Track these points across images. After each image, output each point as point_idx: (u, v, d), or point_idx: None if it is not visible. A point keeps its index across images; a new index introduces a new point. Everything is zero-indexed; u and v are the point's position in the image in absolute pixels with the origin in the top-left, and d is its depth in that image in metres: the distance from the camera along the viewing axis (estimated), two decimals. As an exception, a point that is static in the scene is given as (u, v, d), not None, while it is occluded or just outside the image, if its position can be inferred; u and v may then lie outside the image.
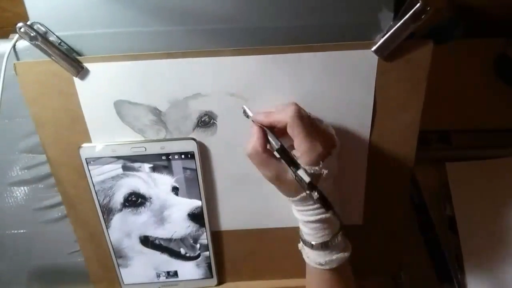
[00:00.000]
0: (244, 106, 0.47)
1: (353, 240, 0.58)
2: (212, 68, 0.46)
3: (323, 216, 0.44)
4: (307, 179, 0.41)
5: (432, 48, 0.45)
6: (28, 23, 0.43)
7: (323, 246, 0.46)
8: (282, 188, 0.45)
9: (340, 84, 0.47)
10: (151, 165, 0.51)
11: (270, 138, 0.44)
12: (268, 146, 0.44)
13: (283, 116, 0.42)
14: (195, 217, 0.54)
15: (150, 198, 0.53)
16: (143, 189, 0.52)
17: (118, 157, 0.50)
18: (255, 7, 0.44)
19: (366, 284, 0.61)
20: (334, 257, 0.46)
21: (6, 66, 0.46)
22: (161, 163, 0.51)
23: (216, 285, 0.61)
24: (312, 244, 0.46)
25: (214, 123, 0.49)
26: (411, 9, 0.42)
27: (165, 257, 0.57)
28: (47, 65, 0.45)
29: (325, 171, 0.42)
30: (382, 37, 0.44)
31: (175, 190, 0.52)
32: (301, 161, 0.42)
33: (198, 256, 0.57)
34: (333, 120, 0.49)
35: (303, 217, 0.46)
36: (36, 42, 0.43)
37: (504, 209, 0.64)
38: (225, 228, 0.57)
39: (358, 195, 0.54)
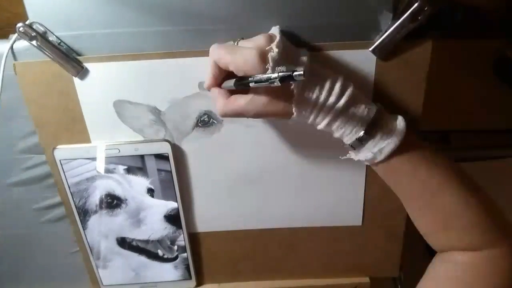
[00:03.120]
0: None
1: (353, 241, 0.58)
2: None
3: (336, 107, 0.39)
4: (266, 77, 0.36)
5: (431, 48, 0.45)
6: (28, 23, 0.43)
7: (360, 141, 0.40)
8: (274, 112, 0.40)
9: (339, 84, 0.47)
10: (126, 167, 0.51)
11: (225, 86, 0.42)
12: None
13: (209, 58, 0.41)
14: (172, 218, 0.54)
15: (126, 199, 0.53)
16: (118, 191, 0.52)
17: (92, 159, 0.50)
18: (254, 7, 0.44)
19: (365, 284, 0.61)
20: (383, 144, 0.40)
21: (5, 66, 0.46)
22: (136, 165, 0.51)
23: (195, 287, 0.61)
24: (350, 145, 0.42)
25: (214, 122, 0.49)
26: (409, 9, 0.42)
27: (142, 258, 0.57)
28: (46, 65, 0.46)
29: (275, 50, 0.38)
30: (380, 37, 0.44)
31: (150, 191, 0.52)
32: (248, 70, 0.38)
33: (176, 257, 0.57)
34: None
35: (321, 124, 0.41)
36: (36, 42, 0.44)
37: (503, 210, 0.64)
38: (206, 229, 0.57)
39: (358, 196, 0.54)
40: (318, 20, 0.45)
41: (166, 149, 0.50)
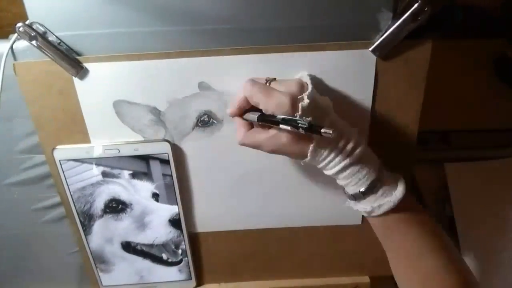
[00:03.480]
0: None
1: (353, 240, 0.58)
2: (211, 67, 0.46)
3: (345, 162, 0.42)
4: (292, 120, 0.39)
5: (431, 48, 0.45)
6: (27, 23, 0.43)
7: (363, 194, 0.43)
8: (289, 152, 0.43)
9: (339, 84, 0.47)
10: (131, 172, 0.51)
11: (248, 118, 0.44)
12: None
13: (242, 93, 0.43)
14: (176, 222, 0.54)
15: (131, 204, 0.53)
16: (123, 196, 0.52)
17: (93, 159, 0.51)
18: (254, 7, 0.44)
19: (366, 284, 0.61)
20: (383, 201, 0.43)
21: (5, 66, 0.46)
22: (139, 167, 0.51)
23: (195, 287, 0.61)
24: (351, 195, 0.45)
25: (214, 122, 0.49)
26: (409, 9, 0.42)
27: (147, 262, 0.57)
28: (46, 65, 0.45)
29: (306, 101, 0.40)
30: (381, 37, 0.44)
31: (155, 196, 0.53)
32: (278, 113, 0.41)
33: (181, 261, 0.57)
34: (332, 120, 0.49)
35: (329, 172, 0.44)
36: (36, 42, 0.43)
37: (503, 210, 0.64)
38: (206, 229, 0.57)
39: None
40: (318, 20, 0.44)
41: (166, 149, 0.50)
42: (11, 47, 0.46)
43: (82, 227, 0.55)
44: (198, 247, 0.58)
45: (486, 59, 0.67)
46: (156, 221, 0.53)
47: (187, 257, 0.57)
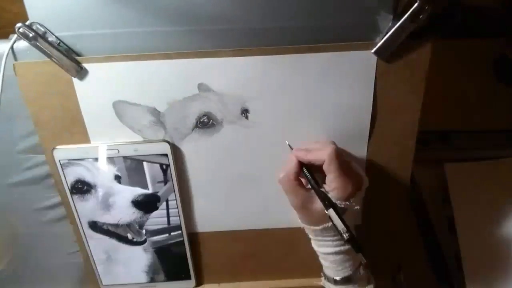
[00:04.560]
0: (287, 142, 0.49)
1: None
2: (211, 68, 0.46)
3: (343, 248, 0.46)
4: (340, 225, 0.44)
5: (431, 48, 0.45)
6: (27, 23, 0.43)
7: (346, 281, 0.48)
8: (305, 217, 0.47)
9: (340, 85, 0.47)
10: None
11: (306, 174, 0.46)
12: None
13: (321, 154, 0.44)
14: (139, 204, 0.54)
15: (95, 185, 0.53)
16: (88, 178, 0.53)
17: (92, 159, 0.51)
18: (254, 7, 0.44)
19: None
20: None
21: (5, 66, 0.46)
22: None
23: (194, 287, 0.61)
24: (335, 280, 0.48)
25: (213, 123, 0.49)
26: (409, 9, 0.42)
27: (113, 241, 0.57)
28: (46, 65, 0.45)
29: (355, 207, 0.45)
30: (382, 38, 0.44)
31: (117, 178, 0.53)
32: (332, 195, 0.45)
33: (145, 241, 0.57)
34: (332, 120, 0.49)
35: (323, 249, 0.48)
36: (35, 43, 0.43)
37: (503, 210, 0.64)
38: (206, 229, 0.57)
39: (357, 196, 0.54)
40: (319, 21, 0.44)
41: (165, 149, 0.50)
42: (12, 47, 0.46)
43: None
44: (198, 247, 0.58)
45: (486, 59, 0.67)
46: (120, 202, 0.54)
47: (155, 238, 0.57)
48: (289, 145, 0.49)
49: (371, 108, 0.48)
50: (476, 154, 0.70)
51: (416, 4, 0.42)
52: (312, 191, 0.46)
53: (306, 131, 0.50)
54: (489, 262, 0.62)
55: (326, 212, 0.44)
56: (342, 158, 0.45)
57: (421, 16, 0.42)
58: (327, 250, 0.47)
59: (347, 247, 0.46)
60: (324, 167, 0.44)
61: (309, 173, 0.46)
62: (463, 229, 0.64)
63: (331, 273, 0.49)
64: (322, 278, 0.51)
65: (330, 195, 0.45)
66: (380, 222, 0.56)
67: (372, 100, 0.48)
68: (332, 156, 0.44)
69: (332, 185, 0.44)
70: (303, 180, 0.47)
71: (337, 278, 0.48)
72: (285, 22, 0.45)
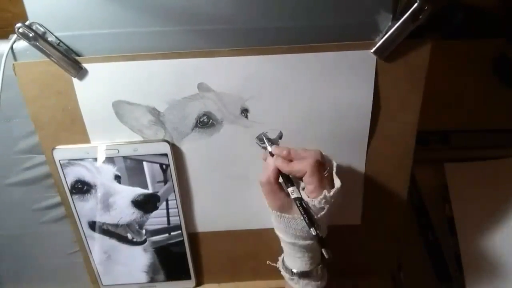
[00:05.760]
0: (264, 137, 0.49)
1: (352, 240, 0.58)
2: (211, 68, 0.46)
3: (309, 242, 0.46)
4: (313, 231, 0.44)
5: (430, 48, 0.45)
6: (27, 23, 0.43)
7: (304, 275, 0.48)
8: (270, 200, 0.47)
9: (339, 85, 0.47)
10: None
11: (282, 181, 0.47)
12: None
13: (303, 166, 0.45)
14: (138, 204, 0.54)
15: (95, 185, 0.53)
16: (88, 178, 0.53)
17: (92, 159, 0.51)
18: (254, 7, 0.44)
19: (365, 284, 0.61)
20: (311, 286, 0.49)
21: (5, 66, 0.46)
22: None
23: (194, 287, 0.61)
24: (293, 272, 0.49)
25: (213, 123, 0.49)
26: (409, 9, 0.42)
27: (113, 241, 0.57)
28: (46, 65, 0.45)
29: (326, 206, 0.45)
30: (382, 38, 0.44)
31: (117, 178, 0.53)
32: (309, 196, 0.45)
33: (145, 241, 0.57)
34: (332, 120, 0.49)
35: (286, 237, 0.48)
36: (35, 43, 0.43)
37: (503, 210, 0.64)
38: (206, 229, 0.57)
39: (357, 195, 0.54)
40: (318, 21, 0.44)
41: (165, 149, 0.50)
42: (11, 47, 0.46)
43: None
44: (198, 247, 0.58)
45: (486, 59, 0.67)
46: (120, 202, 0.54)
47: (155, 238, 0.57)
48: (269, 144, 0.49)
49: (371, 107, 0.48)
50: (476, 154, 0.70)
51: (416, 4, 0.42)
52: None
53: (305, 130, 0.50)
54: (489, 262, 0.62)
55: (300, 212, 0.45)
56: (322, 169, 0.45)
57: (421, 16, 0.42)
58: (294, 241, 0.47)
59: (312, 242, 0.46)
60: (305, 178, 0.45)
61: (285, 179, 0.47)
62: (463, 229, 0.64)
63: (290, 264, 0.49)
64: (280, 264, 0.51)
65: (306, 194, 0.46)
66: (380, 222, 0.56)
67: (371, 99, 0.48)
68: (314, 169, 0.44)
69: (312, 195, 0.45)
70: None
71: (294, 270, 0.49)
72: (285, 22, 0.45)
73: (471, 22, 0.63)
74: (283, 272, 0.51)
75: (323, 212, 0.45)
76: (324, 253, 0.45)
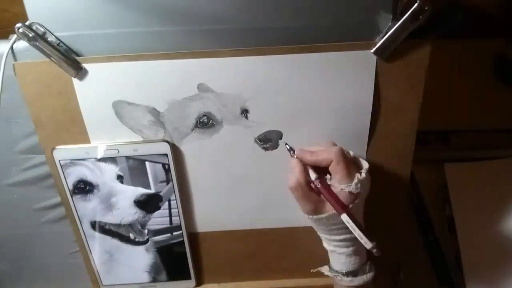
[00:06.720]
0: (286, 143, 0.49)
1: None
2: (211, 68, 0.46)
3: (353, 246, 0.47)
4: (358, 233, 0.46)
5: (430, 48, 0.45)
6: (27, 23, 0.43)
7: (352, 274, 0.49)
8: (303, 204, 0.47)
9: (339, 85, 0.47)
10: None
11: (311, 175, 0.46)
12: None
13: (327, 155, 0.45)
14: (140, 204, 0.54)
15: (98, 185, 0.53)
16: (89, 177, 0.53)
17: (93, 159, 0.51)
18: (254, 7, 0.44)
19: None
20: (361, 280, 0.49)
21: (5, 66, 0.46)
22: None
23: (194, 287, 0.61)
24: (343, 273, 0.49)
25: (213, 123, 0.49)
26: (409, 9, 0.42)
27: (115, 241, 0.57)
28: (46, 65, 0.45)
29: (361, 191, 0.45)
30: (382, 38, 0.44)
31: (120, 178, 0.53)
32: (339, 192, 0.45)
33: (147, 241, 0.57)
34: (332, 120, 0.49)
35: (334, 248, 0.49)
36: (35, 43, 0.43)
37: (503, 210, 0.64)
38: (206, 229, 0.57)
39: (357, 195, 0.54)
40: (318, 21, 0.44)
41: (165, 149, 0.50)
42: (11, 47, 0.46)
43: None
44: (198, 247, 0.58)
45: (486, 59, 0.67)
46: (122, 202, 0.54)
47: (157, 237, 0.57)
48: (289, 147, 0.49)
49: (371, 107, 0.48)
50: (476, 154, 0.70)
51: (416, 4, 0.42)
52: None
53: (306, 131, 0.50)
54: (489, 262, 0.62)
55: (341, 217, 0.45)
56: (347, 157, 0.45)
57: (421, 16, 0.42)
58: (339, 250, 0.48)
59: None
60: (331, 168, 0.45)
61: (313, 175, 0.46)
62: (463, 229, 0.64)
63: (337, 266, 0.50)
64: (327, 269, 0.52)
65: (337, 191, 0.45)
66: (380, 222, 0.56)
67: (371, 99, 0.48)
68: (340, 156, 0.44)
69: (343, 182, 0.45)
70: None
71: (345, 271, 0.49)
72: (285, 22, 0.44)
73: (471, 22, 0.63)
74: (333, 277, 0.51)
75: (358, 199, 0.45)
76: (373, 252, 0.46)
